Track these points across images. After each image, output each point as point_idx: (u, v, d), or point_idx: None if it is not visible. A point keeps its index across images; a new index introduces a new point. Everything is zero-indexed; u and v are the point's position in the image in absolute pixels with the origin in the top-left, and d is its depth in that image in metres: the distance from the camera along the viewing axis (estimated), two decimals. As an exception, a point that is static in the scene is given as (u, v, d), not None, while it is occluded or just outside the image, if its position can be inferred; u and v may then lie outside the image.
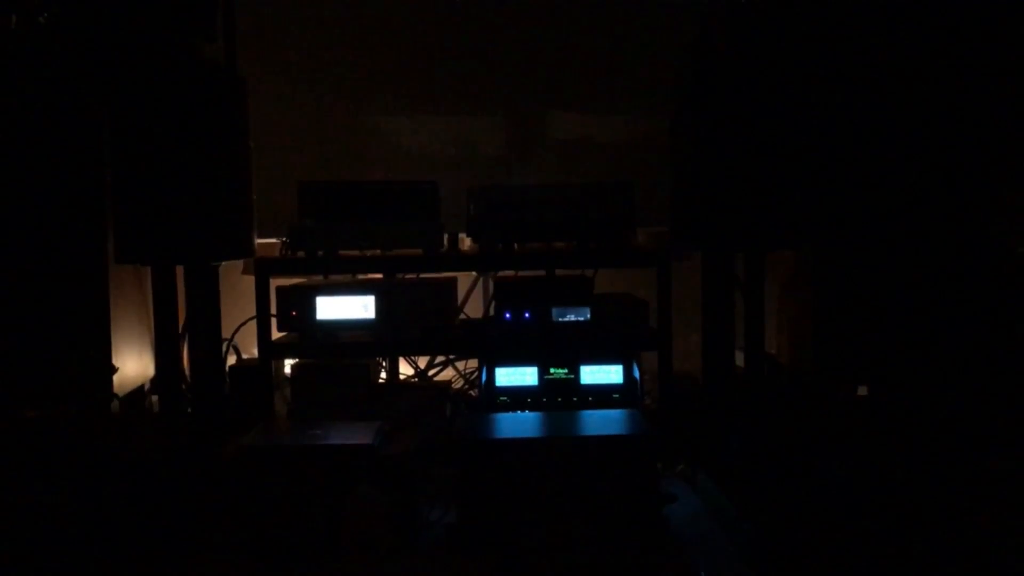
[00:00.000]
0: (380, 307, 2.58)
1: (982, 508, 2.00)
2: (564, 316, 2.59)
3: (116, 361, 2.37)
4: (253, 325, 2.62)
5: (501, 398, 2.56)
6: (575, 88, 3.17)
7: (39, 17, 2.31)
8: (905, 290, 2.36)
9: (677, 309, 2.61)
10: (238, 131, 2.46)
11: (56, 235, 2.29)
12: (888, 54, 2.33)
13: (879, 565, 1.80)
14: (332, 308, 2.57)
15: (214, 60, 2.39)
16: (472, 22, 3.13)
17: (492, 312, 2.77)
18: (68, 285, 2.31)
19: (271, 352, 2.60)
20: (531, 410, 2.53)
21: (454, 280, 2.67)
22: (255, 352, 2.66)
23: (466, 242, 2.80)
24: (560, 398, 2.55)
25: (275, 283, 2.62)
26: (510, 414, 2.46)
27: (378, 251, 2.67)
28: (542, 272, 2.79)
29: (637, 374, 2.56)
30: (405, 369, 2.99)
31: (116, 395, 2.38)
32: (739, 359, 2.53)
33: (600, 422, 2.22)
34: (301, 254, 2.61)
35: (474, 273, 3.14)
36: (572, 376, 2.56)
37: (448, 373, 3.01)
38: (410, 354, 2.91)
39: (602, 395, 2.55)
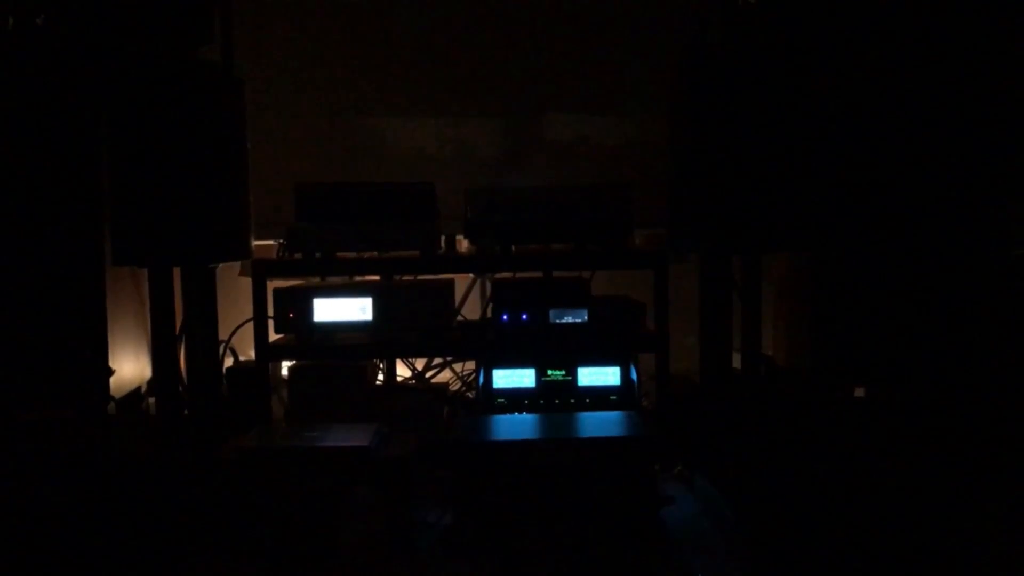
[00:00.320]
0: (377, 309, 2.57)
1: (980, 509, 2.00)
2: (562, 318, 2.59)
3: (113, 363, 2.36)
4: (250, 327, 2.62)
5: (499, 400, 2.56)
6: (572, 90, 3.16)
7: (36, 19, 2.30)
8: (903, 291, 2.36)
9: (674, 311, 2.61)
10: (235, 133, 2.45)
11: (52, 237, 2.29)
12: (886, 54, 2.33)
13: (876, 566, 1.80)
14: (329, 310, 2.57)
15: (211, 61, 2.39)
16: (469, 24, 3.13)
17: (489, 314, 2.77)
18: (64, 287, 2.30)
19: (268, 354, 2.60)
20: (529, 412, 2.53)
21: (451, 282, 2.67)
22: (252, 354, 2.66)
23: (463, 244, 2.80)
24: (558, 400, 2.55)
25: (272, 285, 2.62)
26: (507, 416, 2.46)
27: (375, 253, 2.67)
28: (539, 274, 2.80)
29: (635, 376, 2.56)
30: (402, 371, 2.99)
31: (113, 397, 2.38)
32: (736, 361, 2.53)
33: (598, 424, 2.21)
34: (298, 256, 2.60)
35: (471, 275, 3.14)
36: (570, 378, 2.56)
37: (446, 375, 3.00)
38: (407, 356, 2.91)
39: (600, 397, 2.55)
